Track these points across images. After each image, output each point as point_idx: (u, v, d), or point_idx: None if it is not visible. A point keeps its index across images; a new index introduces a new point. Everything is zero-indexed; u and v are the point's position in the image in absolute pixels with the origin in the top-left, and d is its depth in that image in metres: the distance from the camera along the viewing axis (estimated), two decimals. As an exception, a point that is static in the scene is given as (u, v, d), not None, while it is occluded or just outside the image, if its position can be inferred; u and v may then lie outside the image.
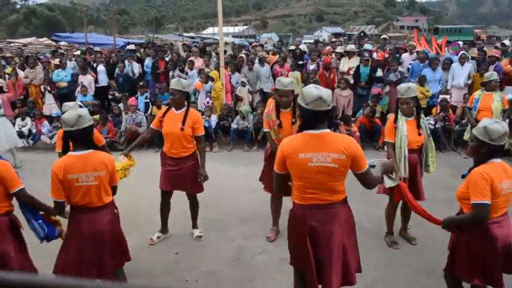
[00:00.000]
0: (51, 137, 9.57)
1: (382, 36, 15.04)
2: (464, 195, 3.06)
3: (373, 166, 3.55)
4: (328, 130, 2.86)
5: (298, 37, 32.96)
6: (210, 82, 10.17)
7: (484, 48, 11.34)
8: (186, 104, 4.69)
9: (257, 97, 10.59)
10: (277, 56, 11.34)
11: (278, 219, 5.04)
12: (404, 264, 4.42)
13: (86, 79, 10.76)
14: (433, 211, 4.96)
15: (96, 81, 11.17)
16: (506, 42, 11.91)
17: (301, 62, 11.03)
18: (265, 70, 10.61)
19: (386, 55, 10.83)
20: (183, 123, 4.59)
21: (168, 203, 5.03)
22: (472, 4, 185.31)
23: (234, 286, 4.16)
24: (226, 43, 14.96)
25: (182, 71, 11.13)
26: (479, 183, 2.91)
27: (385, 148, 9.49)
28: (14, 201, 3.45)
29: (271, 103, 9.38)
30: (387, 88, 9.83)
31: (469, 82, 9.64)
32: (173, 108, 4.72)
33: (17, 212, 3.50)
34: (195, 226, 5.20)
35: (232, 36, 36.53)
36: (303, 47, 12.52)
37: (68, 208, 3.41)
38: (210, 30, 55.49)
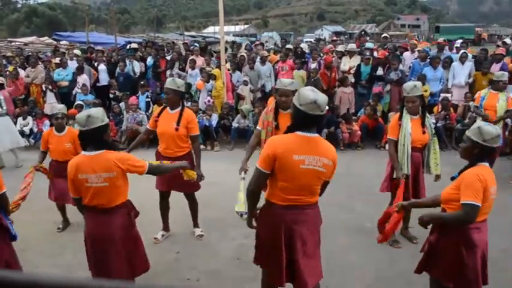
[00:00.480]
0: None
1: (382, 35, 15.02)
2: (452, 197, 2.98)
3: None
4: (317, 135, 2.89)
5: (299, 36, 32.95)
6: (211, 81, 10.18)
7: (485, 47, 11.32)
8: (181, 103, 4.69)
9: (258, 96, 10.60)
10: (279, 55, 11.36)
11: None
12: (405, 264, 4.41)
13: (81, 79, 10.76)
14: (429, 209, 4.97)
15: (97, 80, 11.19)
16: (508, 40, 11.89)
17: (297, 61, 11.02)
18: (265, 69, 10.62)
19: (387, 53, 10.83)
20: (178, 123, 4.58)
21: (167, 202, 5.05)
22: (473, 2, 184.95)
23: (235, 285, 4.16)
24: (227, 42, 14.96)
25: (182, 69, 11.13)
26: (475, 184, 2.85)
27: (386, 147, 9.55)
28: None
29: (271, 102, 9.35)
30: (388, 87, 9.83)
31: (470, 81, 9.62)
32: (168, 108, 4.71)
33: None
34: (196, 225, 5.21)
35: (233, 35, 36.52)
36: (303, 45, 12.52)
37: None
38: (211, 29, 55.40)
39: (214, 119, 9.61)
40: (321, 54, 11.19)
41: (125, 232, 3.36)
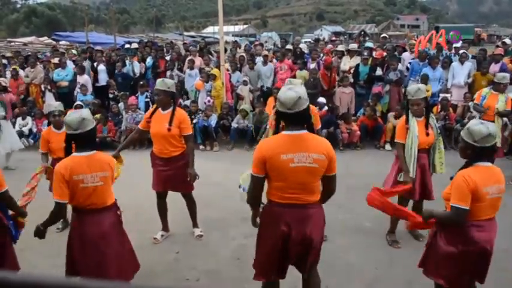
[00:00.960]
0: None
1: (382, 35, 15.02)
2: (448, 196, 3.03)
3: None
4: (305, 131, 2.88)
5: (298, 36, 32.91)
6: (210, 81, 10.18)
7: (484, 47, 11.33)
8: (172, 103, 4.69)
9: (258, 95, 10.60)
10: (276, 54, 11.36)
11: None
12: (405, 263, 4.42)
13: (82, 79, 10.76)
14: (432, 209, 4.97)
15: (96, 80, 11.18)
16: (507, 41, 11.90)
17: (299, 61, 11.03)
18: (266, 69, 10.61)
19: (385, 54, 10.82)
20: (170, 123, 4.58)
21: (164, 202, 5.05)
22: (473, 3, 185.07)
23: (234, 285, 4.16)
24: (226, 42, 14.96)
25: (181, 70, 11.13)
26: (460, 187, 2.89)
27: (386, 147, 9.55)
28: None
29: (272, 102, 9.34)
30: (387, 87, 9.83)
31: (469, 81, 9.62)
32: (160, 109, 4.71)
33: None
34: (195, 225, 5.20)
35: (233, 35, 36.51)
36: (302, 46, 12.52)
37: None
38: (210, 29, 55.44)
39: (214, 119, 9.60)
40: (321, 55, 11.18)
41: (116, 231, 3.39)
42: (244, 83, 10.42)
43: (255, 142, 9.32)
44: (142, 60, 11.66)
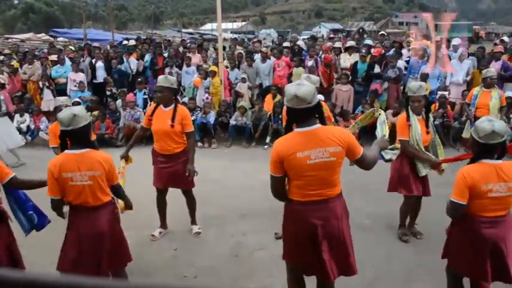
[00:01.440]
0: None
1: (380, 33, 15.01)
2: None
3: (389, 160, 3.61)
4: (319, 125, 2.85)
5: (296, 33, 32.88)
6: (208, 78, 10.16)
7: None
8: (174, 100, 4.69)
9: (257, 93, 10.59)
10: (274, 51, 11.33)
11: None
12: (404, 261, 4.43)
13: (78, 77, 10.73)
14: (429, 207, 4.99)
15: (94, 77, 11.14)
16: (506, 38, 11.91)
17: (296, 58, 11.00)
18: (265, 66, 10.59)
19: (383, 51, 10.80)
20: (173, 119, 4.59)
21: (164, 199, 5.05)
22: (471, 0, 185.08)
23: (232, 282, 4.16)
24: (225, 39, 14.93)
25: (179, 67, 11.10)
26: (458, 183, 3.00)
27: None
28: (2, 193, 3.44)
29: (269, 99, 9.37)
30: (386, 84, 9.82)
31: (468, 79, 9.62)
32: (161, 106, 4.70)
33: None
34: (193, 222, 5.20)
35: (231, 32, 36.44)
36: (300, 43, 12.50)
37: (66, 208, 3.39)
38: (208, 26, 55.33)
39: (212, 116, 9.59)
40: (319, 52, 11.15)
41: (111, 230, 3.36)
42: (243, 80, 10.41)
43: (253, 139, 9.33)
44: (141, 57, 11.63)
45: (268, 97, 9.91)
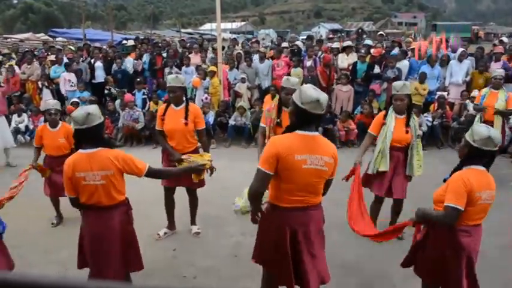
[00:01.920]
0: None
1: (378, 33, 15.02)
2: (441, 198, 2.99)
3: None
4: (318, 133, 2.86)
5: (295, 33, 32.90)
6: (207, 78, 10.17)
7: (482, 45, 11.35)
8: (184, 99, 4.68)
9: (256, 93, 10.60)
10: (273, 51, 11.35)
11: None
12: (401, 260, 4.42)
13: (72, 76, 10.71)
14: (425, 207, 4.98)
15: (93, 77, 11.13)
16: (505, 39, 11.92)
17: (295, 58, 11.00)
18: (263, 67, 10.60)
19: (383, 51, 10.82)
20: (186, 118, 4.59)
21: (172, 199, 5.04)
22: (470, 1, 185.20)
23: (232, 282, 4.16)
24: (224, 39, 14.94)
25: (178, 67, 11.10)
26: (458, 188, 2.87)
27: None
28: None
29: (269, 99, 9.34)
30: (385, 85, 9.83)
31: (467, 79, 9.63)
32: (172, 105, 4.69)
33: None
34: (193, 222, 5.20)
35: (230, 32, 36.45)
36: (299, 43, 12.51)
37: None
38: (207, 26, 55.32)
39: (211, 116, 9.59)
40: (318, 53, 11.15)
41: (123, 231, 3.35)
42: (242, 80, 10.41)
43: (252, 140, 9.33)
44: (139, 57, 11.63)
45: (267, 97, 9.91)
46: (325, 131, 8.69)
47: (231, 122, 9.52)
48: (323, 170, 2.80)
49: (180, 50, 12.52)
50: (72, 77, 10.66)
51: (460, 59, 9.71)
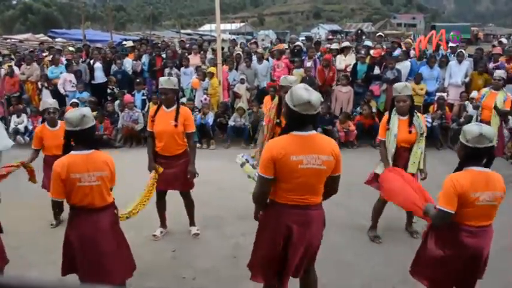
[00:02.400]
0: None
1: (377, 34, 15.00)
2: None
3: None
4: (315, 132, 2.86)
5: (295, 34, 32.91)
6: (206, 79, 10.16)
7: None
8: (176, 101, 4.69)
9: (255, 94, 10.59)
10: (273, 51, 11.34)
11: None
12: (401, 261, 4.42)
13: (70, 77, 10.70)
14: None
15: (92, 78, 11.12)
16: (504, 40, 11.94)
17: (297, 59, 11.01)
18: (262, 67, 10.60)
19: (383, 53, 10.82)
20: (176, 120, 4.60)
21: (164, 201, 5.03)
22: (469, 2, 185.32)
23: (231, 284, 4.16)
24: (223, 40, 14.95)
25: (177, 67, 11.09)
26: (448, 191, 2.89)
27: (382, 146, 9.52)
28: None
29: (268, 100, 9.31)
30: (384, 86, 9.82)
31: (466, 80, 9.64)
32: (163, 107, 4.70)
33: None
34: (192, 223, 5.19)
35: (230, 33, 36.48)
36: (299, 44, 12.50)
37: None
38: (207, 27, 55.37)
39: (210, 117, 9.59)
40: (317, 54, 11.15)
41: (114, 231, 3.36)
42: (242, 81, 10.41)
43: (252, 140, 9.33)
44: (138, 57, 11.63)
45: (267, 98, 9.92)
46: (325, 132, 8.69)
47: (231, 123, 9.52)
48: (321, 169, 2.80)
49: (179, 51, 12.51)
50: (72, 77, 10.65)
51: (459, 60, 9.71)
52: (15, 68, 11.26)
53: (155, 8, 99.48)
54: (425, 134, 4.74)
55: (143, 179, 4.95)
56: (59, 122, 5.28)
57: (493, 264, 3.38)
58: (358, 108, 9.67)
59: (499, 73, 7.11)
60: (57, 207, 3.29)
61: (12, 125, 9.87)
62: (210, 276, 4.26)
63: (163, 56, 11.68)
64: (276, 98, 4.83)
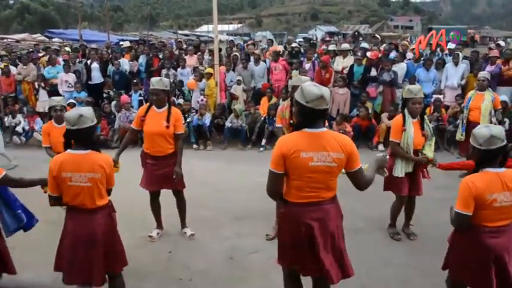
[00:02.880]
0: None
1: (373, 36, 15.03)
2: None
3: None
4: (326, 129, 2.87)
5: (292, 35, 32.93)
6: (204, 80, 10.16)
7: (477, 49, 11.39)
8: (167, 102, 4.70)
9: (251, 95, 10.59)
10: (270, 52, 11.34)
11: None
12: (400, 263, 4.44)
13: (69, 78, 10.68)
14: (424, 210, 5.02)
15: (89, 78, 11.09)
16: (501, 43, 11.97)
17: (295, 60, 11.02)
18: (259, 69, 10.60)
19: (381, 55, 10.83)
20: (167, 121, 4.60)
21: (158, 202, 5.02)
22: (466, 4, 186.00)
23: (227, 285, 4.16)
24: (221, 41, 14.95)
25: (175, 68, 11.09)
26: (463, 193, 2.91)
27: (379, 148, 9.61)
28: None
29: (265, 101, 9.31)
30: (381, 88, 9.84)
31: (463, 82, 9.67)
32: (154, 107, 4.71)
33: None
34: (184, 225, 5.17)
35: (227, 34, 36.45)
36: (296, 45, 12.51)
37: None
38: (204, 28, 55.19)
39: (207, 118, 9.59)
40: (315, 55, 11.16)
41: (106, 233, 3.31)
42: (238, 82, 10.41)
43: (248, 142, 9.33)
44: (135, 58, 11.61)
45: (264, 99, 9.93)
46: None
47: (228, 124, 9.52)
48: (332, 166, 2.80)
49: (176, 52, 12.49)
50: (69, 78, 10.63)
51: (455, 62, 9.74)
52: (12, 68, 11.22)
53: (153, 9, 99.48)
54: (434, 139, 4.86)
55: (139, 180, 4.96)
56: None
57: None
58: (355, 110, 9.68)
59: (483, 74, 7.21)
60: (53, 201, 3.27)
61: (7, 125, 9.85)
62: (206, 278, 4.26)
63: (161, 56, 11.67)
64: (288, 100, 4.85)
